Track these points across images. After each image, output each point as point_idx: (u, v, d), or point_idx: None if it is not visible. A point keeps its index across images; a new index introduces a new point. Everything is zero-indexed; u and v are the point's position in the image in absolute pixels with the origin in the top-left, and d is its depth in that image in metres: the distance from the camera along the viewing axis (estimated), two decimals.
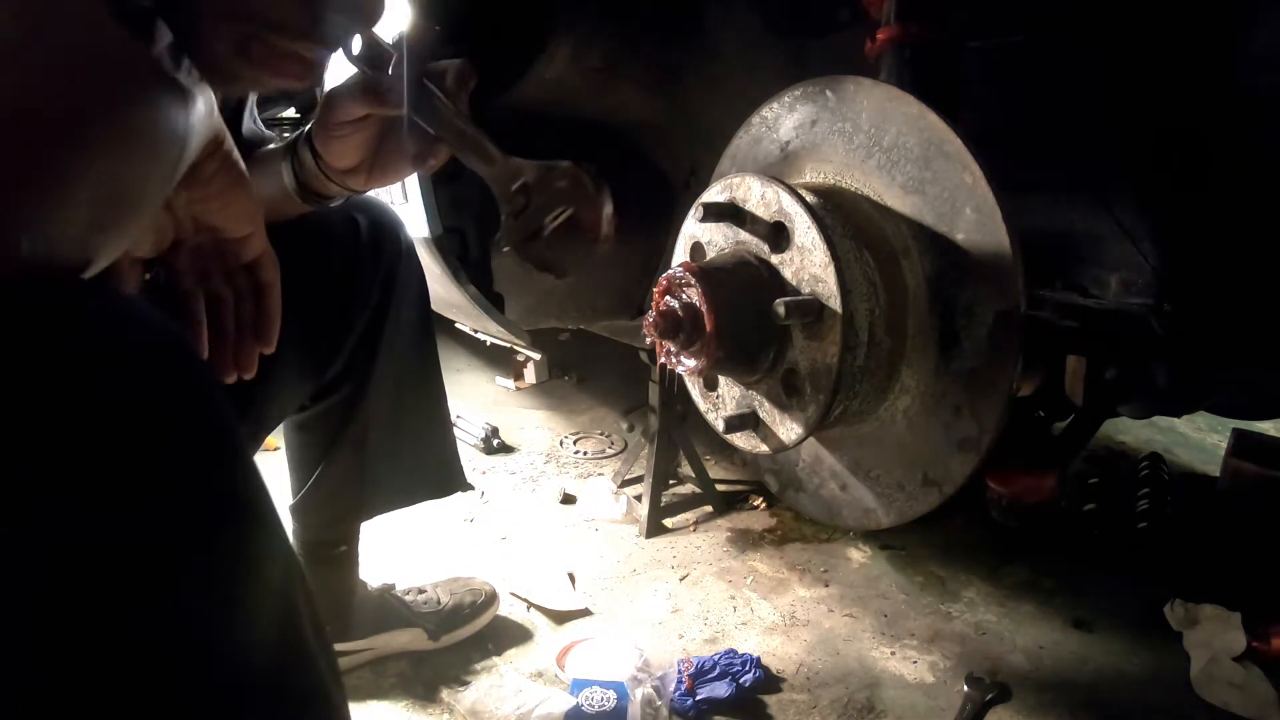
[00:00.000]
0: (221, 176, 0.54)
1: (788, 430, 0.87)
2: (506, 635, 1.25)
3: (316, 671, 0.44)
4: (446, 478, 1.16)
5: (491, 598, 1.26)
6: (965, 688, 1.12)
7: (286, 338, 0.92)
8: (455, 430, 2.02)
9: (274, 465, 1.13)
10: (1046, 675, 1.17)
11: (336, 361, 0.99)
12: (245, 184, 0.57)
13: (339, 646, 1.13)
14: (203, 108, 0.46)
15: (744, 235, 0.88)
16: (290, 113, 2.69)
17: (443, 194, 1.51)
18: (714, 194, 0.91)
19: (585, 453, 1.98)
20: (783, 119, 0.99)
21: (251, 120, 0.89)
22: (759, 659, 1.15)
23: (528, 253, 0.73)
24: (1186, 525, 1.52)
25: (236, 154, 0.56)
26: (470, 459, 1.93)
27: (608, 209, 0.72)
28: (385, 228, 0.98)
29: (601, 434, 2.10)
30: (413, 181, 1.50)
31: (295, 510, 1.10)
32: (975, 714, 1.08)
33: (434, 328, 1.09)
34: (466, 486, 1.18)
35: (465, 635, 1.22)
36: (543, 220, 0.72)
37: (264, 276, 0.64)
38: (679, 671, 1.11)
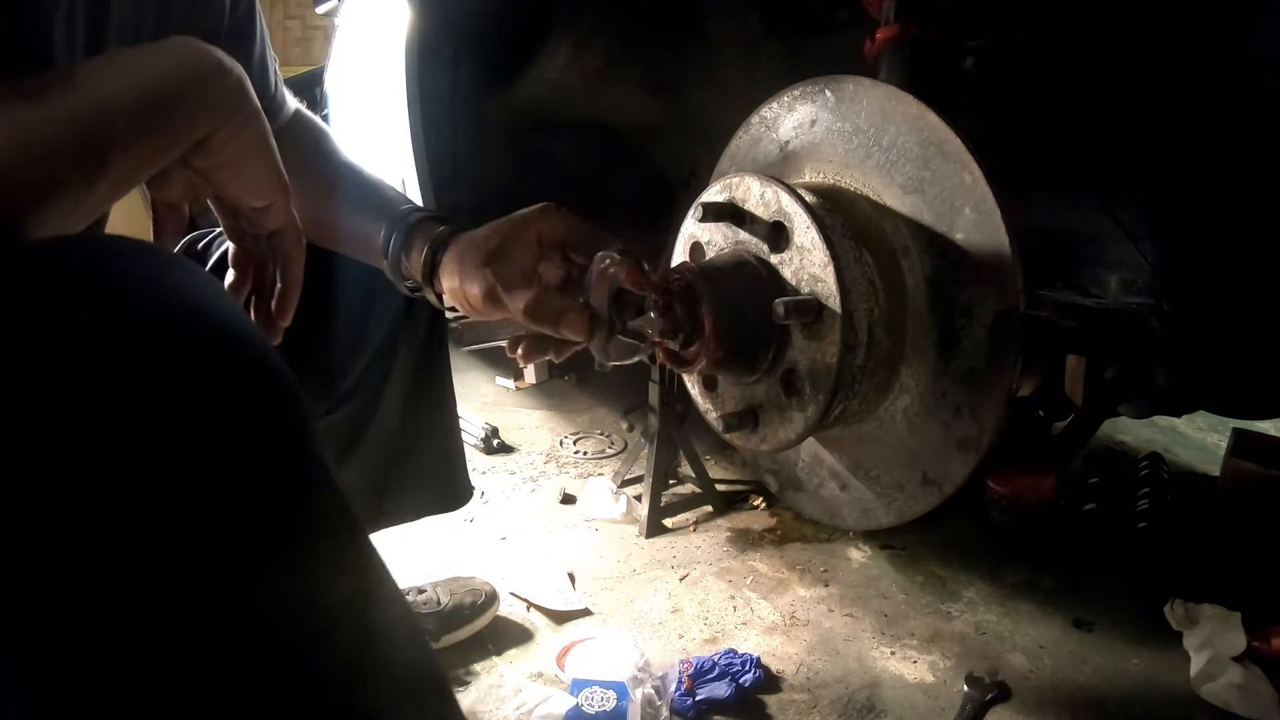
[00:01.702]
0: (234, 146, 0.53)
1: (787, 430, 0.87)
2: (506, 635, 1.25)
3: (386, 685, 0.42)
4: (454, 492, 1.14)
5: (492, 598, 1.26)
6: (965, 687, 1.12)
7: (306, 350, 0.91)
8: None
9: None
10: (1046, 675, 1.17)
11: (349, 376, 0.97)
12: (264, 154, 0.56)
13: None
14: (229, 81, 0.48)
15: (743, 235, 0.88)
16: None
17: (443, 195, 1.51)
18: (713, 194, 0.91)
19: (585, 453, 1.98)
20: (782, 119, 0.99)
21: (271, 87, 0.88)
22: (759, 659, 1.15)
23: (622, 355, 0.74)
24: (1186, 525, 1.52)
25: (258, 124, 0.54)
26: (470, 459, 1.92)
27: (641, 262, 0.72)
28: None
29: (601, 434, 2.10)
30: (412, 181, 1.50)
31: None
32: (975, 714, 1.08)
33: (449, 344, 1.07)
34: (470, 496, 1.17)
35: (465, 635, 1.22)
36: (607, 314, 0.72)
37: (284, 248, 0.64)
38: (679, 671, 1.11)
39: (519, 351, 0.79)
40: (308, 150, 0.88)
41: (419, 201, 1.49)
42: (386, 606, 0.42)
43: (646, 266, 0.71)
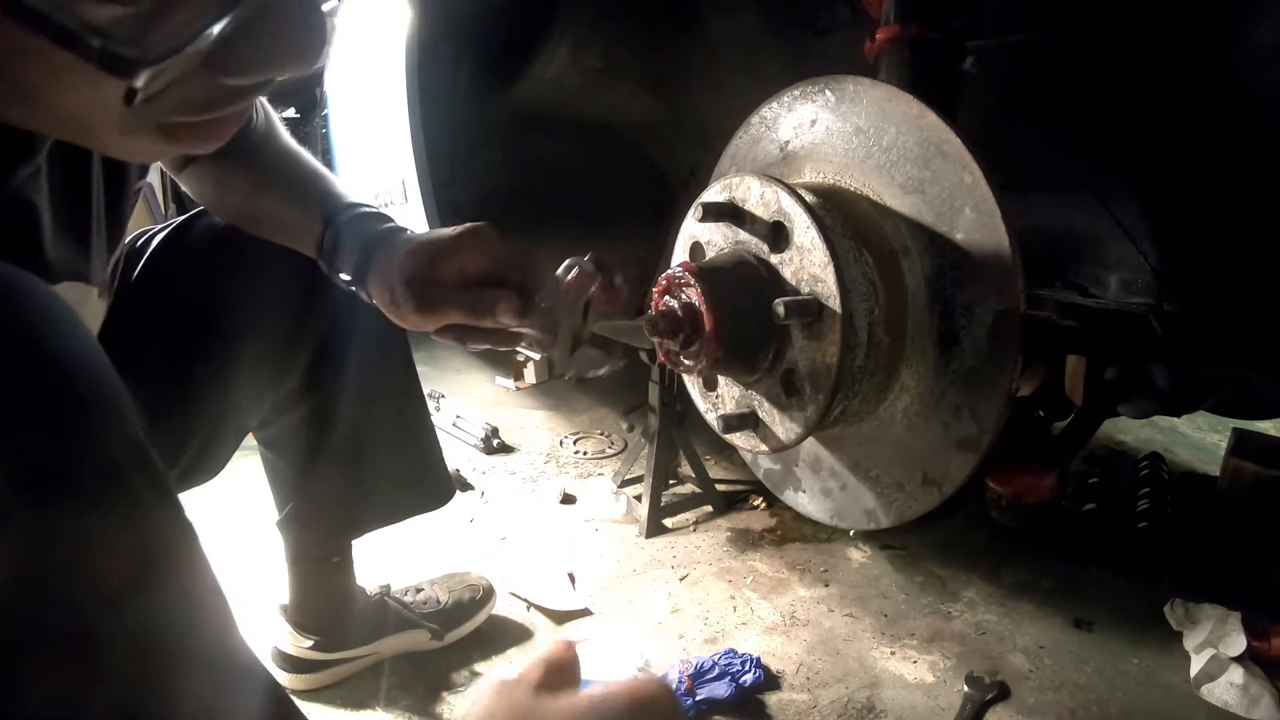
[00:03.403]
0: None
1: (787, 430, 0.87)
2: (506, 635, 1.25)
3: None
4: (436, 489, 1.13)
5: (489, 592, 1.27)
6: (965, 687, 1.12)
7: (238, 350, 0.89)
8: (455, 430, 2.03)
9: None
10: (1046, 675, 1.17)
11: (293, 375, 0.95)
12: None
13: (341, 654, 1.13)
14: None
15: (743, 235, 0.88)
16: (290, 113, 2.69)
17: (443, 195, 1.51)
18: (713, 194, 0.91)
19: (585, 453, 1.98)
20: (782, 119, 0.99)
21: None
22: (759, 659, 1.15)
23: (588, 366, 0.72)
24: (1186, 525, 1.52)
25: None
26: (470, 459, 1.93)
27: (616, 277, 0.70)
28: None
29: (601, 434, 2.10)
30: (412, 181, 1.50)
31: (282, 526, 1.08)
32: (975, 714, 1.08)
33: (406, 334, 1.04)
34: (463, 487, 1.16)
35: (467, 631, 1.22)
36: (577, 326, 0.69)
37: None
38: (679, 671, 1.11)
39: (527, 378, 0.78)
40: (255, 136, 0.86)
41: (419, 200, 1.49)
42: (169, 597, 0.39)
43: (619, 280, 0.70)
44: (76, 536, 0.34)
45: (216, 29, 0.35)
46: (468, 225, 0.71)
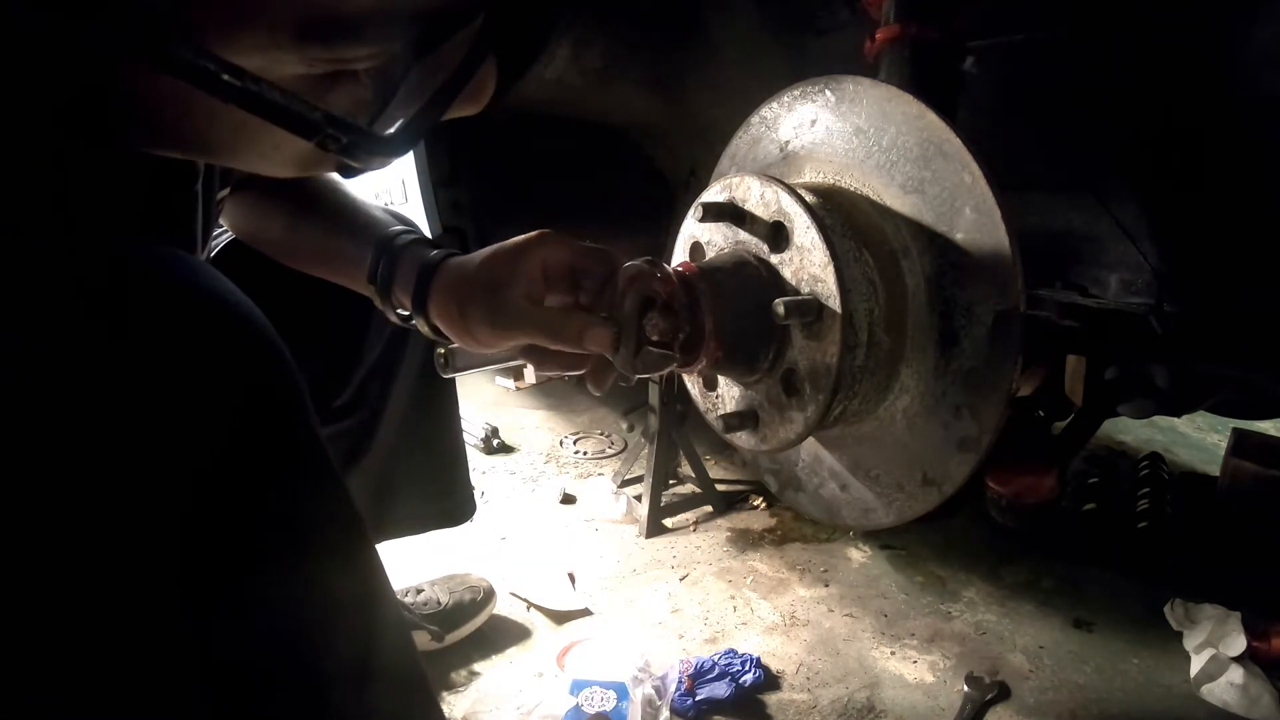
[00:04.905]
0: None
1: (787, 430, 0.87)
2: (506, 635, 1.25)
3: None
4: (459, 508, 1.14)
5: (490, 593, 1.27)
6: (965, 687, 1.12)
7: (301, 360, 0.89)
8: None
9: None
10: (1046, 675, 1.17)
11: (344, 393, 0.96)
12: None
13: None
14: None
15: (743, 235, 0.88)
16: None
17: (442, 195, 1.51)
18: (713, 194, 0.91)
19: (585, 453, 1.98)
20: (782, 118, 0.99)
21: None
22: (759, 659, 1.15)
23: (653, 367, 0.71)
24: (1186, 525, 1.52)
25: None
26: (470, 459, 1.93)
27: (659, 271, 0.70)
28: None
29: (601, 434, 2.10)
30: (412, 181, 1.50)
31: None
32: (975, 714, 1.08)
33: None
34: (472, 512, 1.16)
35: (467, 632, 1.22)
36: (636, 326, 0.69)
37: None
38: (679, 671, 1.11)
39: (527, 378, 0.77)
40: None
41: (419, 201, 1.49)
42: (386, 606, 0.42)
43: (674, 277, 0.70)
44: (329, 578, 0.38)
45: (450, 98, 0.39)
46: (536, 232, 0.69)
